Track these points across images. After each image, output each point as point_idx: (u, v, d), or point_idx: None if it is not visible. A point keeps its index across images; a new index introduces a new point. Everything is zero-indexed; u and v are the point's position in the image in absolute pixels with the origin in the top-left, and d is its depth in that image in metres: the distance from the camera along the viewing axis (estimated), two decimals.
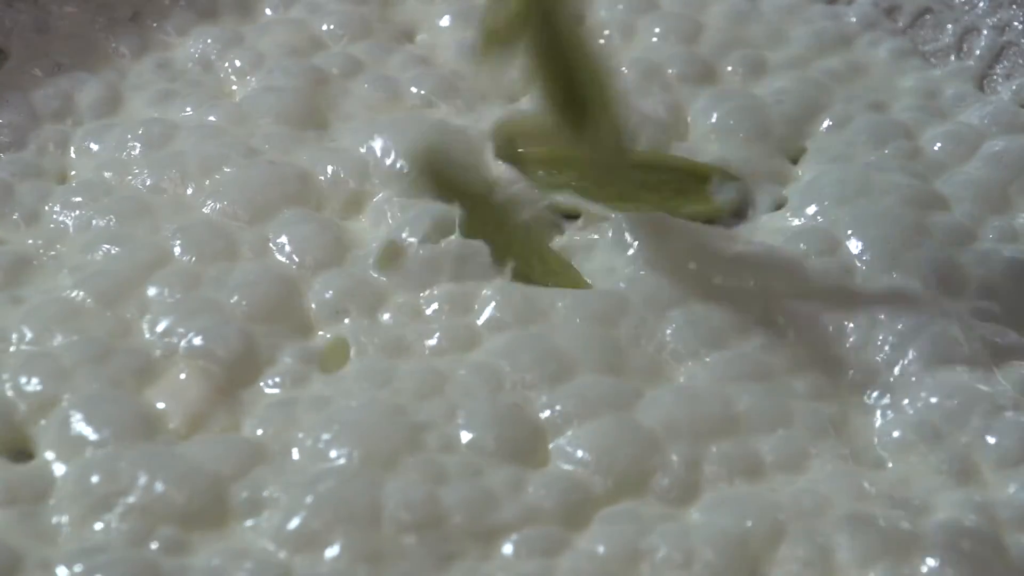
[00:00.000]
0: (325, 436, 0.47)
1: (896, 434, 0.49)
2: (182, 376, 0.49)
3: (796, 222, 0.57)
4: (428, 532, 0.45)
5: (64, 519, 0.45)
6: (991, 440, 0.49)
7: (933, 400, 0.50)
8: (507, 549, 0.45)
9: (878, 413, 0.50)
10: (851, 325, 0.52)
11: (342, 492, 0.45)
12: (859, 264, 0.54)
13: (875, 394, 0.50)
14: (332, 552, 0.44)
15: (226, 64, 0.63)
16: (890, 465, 0.49)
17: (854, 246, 0.55)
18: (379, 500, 0.45)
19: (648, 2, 0.66)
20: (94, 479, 0.46)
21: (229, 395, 0.49)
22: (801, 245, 0.55)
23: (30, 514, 0.46)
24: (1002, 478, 0.48)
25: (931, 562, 0.45)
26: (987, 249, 0.56)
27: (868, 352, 0.51)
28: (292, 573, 0.44)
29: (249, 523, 0.45)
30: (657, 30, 0.65)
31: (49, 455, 0.47)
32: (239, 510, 0.46)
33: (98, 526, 0.45)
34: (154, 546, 0.44)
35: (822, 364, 0.51)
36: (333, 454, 0.47)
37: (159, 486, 0.45)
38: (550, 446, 0.48)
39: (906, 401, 0.50)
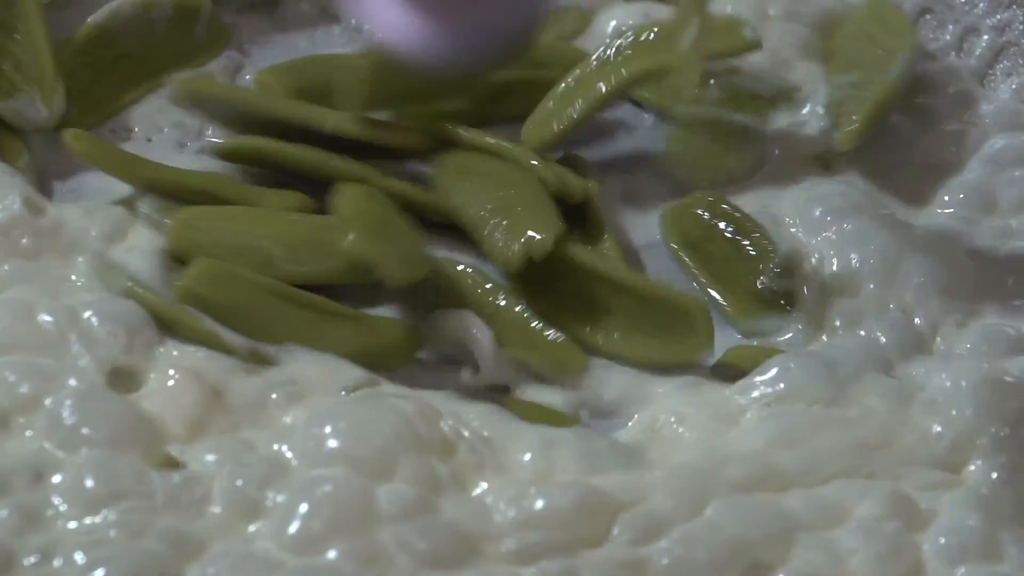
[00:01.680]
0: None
1: None
2: (171, 384, 0.48)
3: None
4: None
5: (63, 510, 0.44)
6: None
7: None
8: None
9: None
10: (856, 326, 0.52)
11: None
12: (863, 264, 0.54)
13: None
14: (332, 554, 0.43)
15: None
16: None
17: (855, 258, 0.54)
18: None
19: None
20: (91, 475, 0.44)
21: (223, 398, 0.48)
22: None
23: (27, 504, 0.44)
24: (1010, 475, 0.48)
25: (938, 563, 0.45)
26: (988, 246, 0.56)
27: None
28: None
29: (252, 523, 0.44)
30: None
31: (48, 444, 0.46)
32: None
33: (98, 519, 0.44)
34: (155, 541, 0.43)
35: None
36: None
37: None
38: None
39: None
